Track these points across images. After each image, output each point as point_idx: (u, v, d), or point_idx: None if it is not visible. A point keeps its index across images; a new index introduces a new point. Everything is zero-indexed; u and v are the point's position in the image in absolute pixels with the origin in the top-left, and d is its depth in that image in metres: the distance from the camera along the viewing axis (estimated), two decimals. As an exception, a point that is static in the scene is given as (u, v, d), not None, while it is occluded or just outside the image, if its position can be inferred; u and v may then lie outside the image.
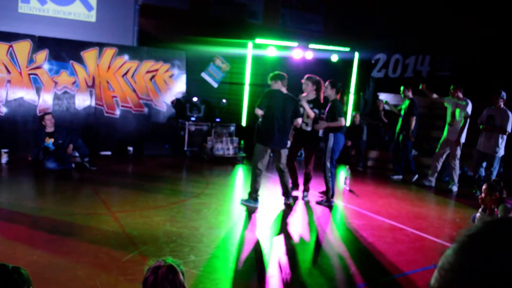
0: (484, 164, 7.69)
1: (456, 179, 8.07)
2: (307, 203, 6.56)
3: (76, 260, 3.90)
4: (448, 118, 8.18)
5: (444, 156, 8.21)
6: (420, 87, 8.83)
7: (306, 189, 6.78)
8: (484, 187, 4.43)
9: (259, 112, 6.00)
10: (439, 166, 8.31)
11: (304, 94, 6.68)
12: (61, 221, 4.87)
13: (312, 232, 5.33)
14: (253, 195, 6.07)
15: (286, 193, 6.27)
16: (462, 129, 7.90)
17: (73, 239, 4.39)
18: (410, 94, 8.61)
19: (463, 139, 7.98)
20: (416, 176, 8.60)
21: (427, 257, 4.62)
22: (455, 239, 0.67)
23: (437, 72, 11.90)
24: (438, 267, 0.68)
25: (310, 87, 6.54)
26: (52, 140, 7.75)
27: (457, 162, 8.04)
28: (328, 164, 6.38)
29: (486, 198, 4.33)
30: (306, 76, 6.71)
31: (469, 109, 7.90)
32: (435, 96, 9.14)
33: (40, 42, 8.92)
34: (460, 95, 8.07)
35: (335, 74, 10.20)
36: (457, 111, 8.00)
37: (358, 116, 10.41)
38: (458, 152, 8.01)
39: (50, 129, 7.83)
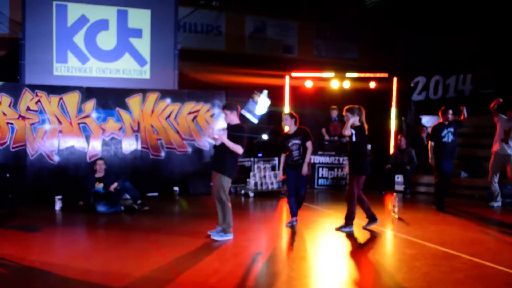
0: None
1: None
2: (356, 233, 6.44)
3: (130, 303, 3.98)
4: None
5: None
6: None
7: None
8: None
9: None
10: None
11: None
12: (113, 265, 5.00)
13: (363, 263, 5.20)
14: (229, 229, 6.16)
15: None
16: None
17: (125, 283, 4.48)
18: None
19: None
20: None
21: (487, 285, 4.41)
22: None
23: (481, 90, 11.59)
24: None
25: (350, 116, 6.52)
26: (102, 184, 8.04)
27: None
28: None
29: None
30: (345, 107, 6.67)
31: None
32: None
33: (87, 93, 9.43)
34: None
35: (374, 100, 10.16)
36: None
37: (404, 139, 10.20)
38: None
39: (100, 174, 8.15)
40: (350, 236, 6.38)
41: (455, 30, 12.20)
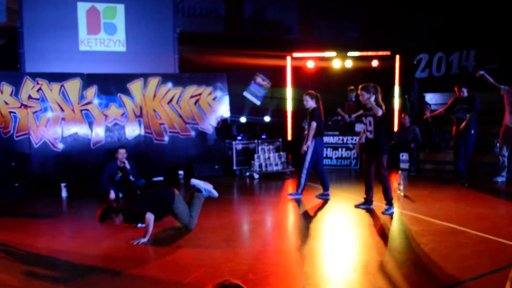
0: None
1: None
2: (362, 212, 6.46)
3: (138, 284, 4.02)
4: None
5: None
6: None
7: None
8: None
9: None
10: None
11: None
12: (121, 249, 5.04)
13: (370, 241, 5.22)
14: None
15: None
16: None
17: (134, 264, 4.52)
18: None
19: None
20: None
21: (494, 260, 4.42)
22: None
23: (484, 66, 11.48)
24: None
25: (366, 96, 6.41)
26: (120, 174, 7.95)
27: None
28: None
29: None
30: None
31: None
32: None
33: (89, 79, 9.38)
34: None
35: (377, 79, 10.05)
36: None
37: (407, 117, 10.17)
38: None
39: (121, 162, 7.99)
40: (356, 214, 6.40)
41: (456, 14, 12.02)
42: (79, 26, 9.99)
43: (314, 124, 7.11)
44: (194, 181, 5.93)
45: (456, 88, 8.36)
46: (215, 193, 5.97)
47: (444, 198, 7.27)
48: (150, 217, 5.30)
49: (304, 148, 7.22)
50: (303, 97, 7.35)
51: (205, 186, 5.93)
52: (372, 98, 6.24)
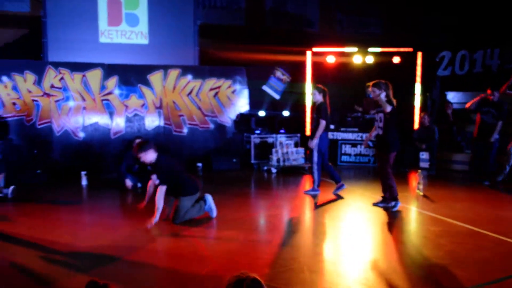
0: None
1: None
2: (380, 210, 6.41)
3: (156, 276, 4.06)
4: None
5: None
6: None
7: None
8: None
9: None
10: None
11: None
12: (139, 237, 5.09)
13: (388, 240, 5.19)
14: None
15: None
16: None
17: (151, 255, 4.56)
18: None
19: None
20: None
21: (515, 264, 4.35)
22: None
23: (507, 65, 11.23)
24: None
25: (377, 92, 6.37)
26: (138, 164, 7.98)
27: None
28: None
29: None
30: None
31: None
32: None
33: (110, 70, 9.47)
34: None
35: (398, 75, 9.95)
36: None
37: (427, 117, 10.04)
38: None
39: None
40: (374, 212, 6.35)
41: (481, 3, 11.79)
42: (99, 17, 10.10)
43: (323, 122, 7.16)
44: (208, 197, 5.98)
45: (489, 90, 8.21)
46: (213, 214, 5.93)
47: (464, 199, 7.17)
48: (161, 195, 5.37)
49: (312, 144, 7.28)
50: (311, 91, 7.44)
51: (212, 204, 5.95)
52: (383, 95, 6.21)
